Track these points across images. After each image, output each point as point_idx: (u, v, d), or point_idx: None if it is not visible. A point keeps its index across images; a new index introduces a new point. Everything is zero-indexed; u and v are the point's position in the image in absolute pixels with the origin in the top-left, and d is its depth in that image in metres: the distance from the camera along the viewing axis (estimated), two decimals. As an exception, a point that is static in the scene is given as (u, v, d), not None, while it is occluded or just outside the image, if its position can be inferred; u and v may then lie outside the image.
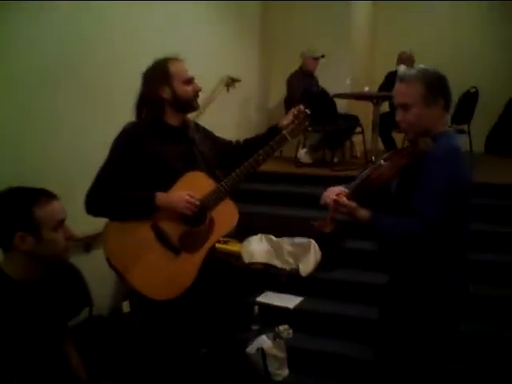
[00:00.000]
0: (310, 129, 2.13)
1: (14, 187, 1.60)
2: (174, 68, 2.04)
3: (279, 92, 5.75)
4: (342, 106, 5.50)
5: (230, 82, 5.05)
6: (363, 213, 1.79)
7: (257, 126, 5.72)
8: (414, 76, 1.77)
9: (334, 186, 1.92)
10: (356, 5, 6.02)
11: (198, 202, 1.97)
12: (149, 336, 2.21)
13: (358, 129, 5.33)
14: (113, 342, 2.83)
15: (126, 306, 3.39)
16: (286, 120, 2.14)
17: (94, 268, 2.41)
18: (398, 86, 1.80)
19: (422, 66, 1.84)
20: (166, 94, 2.02)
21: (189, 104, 2.06)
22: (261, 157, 2.04)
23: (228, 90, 5.04)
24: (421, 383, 1.90)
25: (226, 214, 2.05)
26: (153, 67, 2.07)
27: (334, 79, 5.59)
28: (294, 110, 2.17)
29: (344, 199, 1.79)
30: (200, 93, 2.09)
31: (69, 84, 3.03)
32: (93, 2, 3.11)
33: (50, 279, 1.71)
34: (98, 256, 2.02)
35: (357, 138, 5.60)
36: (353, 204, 1.79)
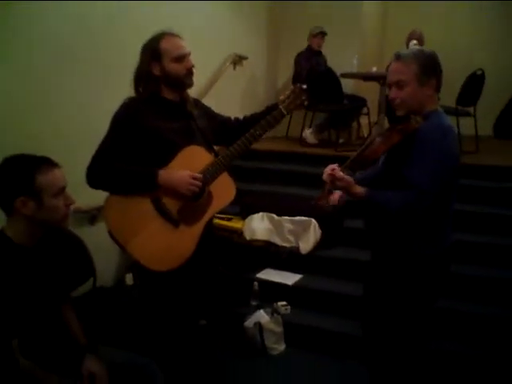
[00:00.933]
0: (306, 103, 2.12)
1: (18, 154, 1.65)
2: (165, 45, 2.02)
3: (288, 71, 5.72)
4: (349, 86, 5.48)
5: (238, 60, 5.02)
6: (359, 188, 1.86)
7: (264, 104, 5.69)
8: (409, 56, 1.82)
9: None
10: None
11: (200, 184, 1.99)
12: (147, 306, 2.28)
13: (365, 110, 5.32)
14: (115, 312, 2.91)
15: (129, 279, 3.47)
16: (283, 95, 2.15)
17: (98, 240, 2.46)
18: (394, 65, 1.85)
19: (417, 47, 1.87)
20: (157, 71, 2.03)
21: (180, 81, 2.05)
22: (257, 132, 2.05)
23: (235, 68, 5.02)
24: (402, 355, 1.97)
25: (224, 188, 2.08)
26: (147, 43, 2.07)
27: (342, 59, 5.56)
28: (291, 86, 2.19)
29: (339, 173, 1.85)
30: (194, 69, 2.07)
31: (74, 59, 3.08)
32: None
33: (50, 245, 1.77)
34: (102, 228, 2.07)
35: (364, 119, 5.58)
36: (348, 178, 1.86)
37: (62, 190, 1.68)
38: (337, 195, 2.00)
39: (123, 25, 3.43)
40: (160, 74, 2.03)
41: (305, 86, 2.10)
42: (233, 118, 2.32)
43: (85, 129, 3.05)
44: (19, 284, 1.60)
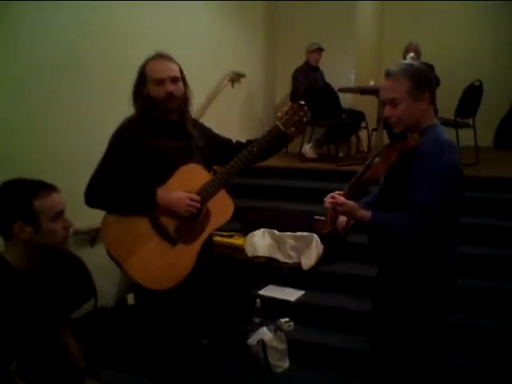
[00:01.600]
0: (305, 119, 2.10)
1: (16, 178, 1.65)
2: (148, 68, 2.05)
3: (285, 87, 5.75)
4: (347, 100, 5.50)
5: (235, 78, 5.06)
6: (363, 212, 1.84)
7: (263, 122, 5.74)
8: (399, 72, 1.79)
9: (337, 181, 1.97)
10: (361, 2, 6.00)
11: (198, 205, 1.99)
12: (148, 326, 2.26)
13: (364, 123, 5.34)
14: (116, 332, 2.88)
15: (130, 299, 3.45)
16: (281, 112, 2.15)
17: (99, 261, 2.45)
18: (385, 82, 1.83)
19: (407, 61, 1.87)
20: (145, 91, 2.05)
21: (161, 104, 2.05)
22: (255, 148, 2.04)
23: (233, 86, 5.05)
24: (411, 371, 1.93)
25: (222, 206, 2.07)
26: (141, 65, 2.10)
27: (339, 73, 5.59)
28: (290, 103, 2.19)
29: (341, 198, 1.84)
30: (176, 94, 2.04)
31: (73, 79, 3.10)
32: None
33: (49, 269, 1.75)
34: (103, 249, 2.05)
35: (363, 133, 5.60)
36: (350, 202, 1.84)
37: (60, 213, 1.66)
38: (343, 222, 1.97)
39: (122, 44, 3.46)
40: (147, 95, 2.06)
41: (303, 102, 2.08)
42: (234, 140, 2.33)
43: (83, 149, 3.04)
44: (17, 308, 1.59)
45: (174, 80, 2.05)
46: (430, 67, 5.43)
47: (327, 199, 1.88)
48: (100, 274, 2.96)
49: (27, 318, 1.61)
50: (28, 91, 2.85)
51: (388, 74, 1.81)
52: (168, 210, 2.00)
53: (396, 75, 1.79)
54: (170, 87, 2.03)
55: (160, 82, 2.02)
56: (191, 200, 1.98)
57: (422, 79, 1.79)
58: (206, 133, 2.26)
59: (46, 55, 2.93)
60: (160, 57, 2.07)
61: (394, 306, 1.92)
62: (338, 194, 1.89)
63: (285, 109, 2.10)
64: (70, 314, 2.06)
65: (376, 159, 1.83)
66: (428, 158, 1.73)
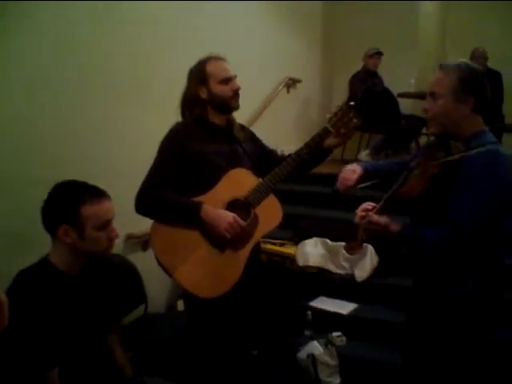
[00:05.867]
0: (355, 121, 2.00)
1: (71, 180, 1.65)
2: (210, 68, 2.06)
3: (343, 93, 5.63)
4: (407, 106, 5.32)
5: (291, 83, 5.01)
6: (394, 226, 1.71)
7: (318, 128, 5.62)
8: (452, 66, 1.67)
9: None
10: (424, 3, 5.79)
11: (240, 228, 1.96)
12: (195, 335, 2.23)
13: (424, 130, 5.13)
14: (164, 339, 2.87)
15: (180, 305, 3.43)
16: (330, 113, 2.08)
17: (151, 265, 2.44)
18: (437, 74, 1.72)
19: (464, 60, 1.73)
20: (203, 93, 2.06)
21: (226, 103, 2.06)
22: (304, 151, 2.00)
23: (288, 91, 5.00)
24: None
25: (271, 212, 2.03)
26: (193, 67, 2.11)
27: (399, 78, 5.42)
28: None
29: (374, 217, 1.70)
30: (239, 91, 2.07)
31: (112, 87, 3.01)
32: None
33: (96, 273, 1.74)
34: (155, 254, 2.06)
35: (423, 140, 5.38)
36: (383, 220, 1.71)
37: (108, 222, 1.64)
38: None
39: (167, 50, 3.39)
40: (207, 97, 2.05)
41: (353, 103, 2.00)
42: (279, 151, 2.28)
43: (134, 154, 3.02)
44: (61, 311, 1.58)
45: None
46: (496, 74, 5.17)
47: (359, 213, 1.74)
48: (152, 279, 2.96)
49: (71, 322, 1.60)
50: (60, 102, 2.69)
51: (440, 67, 1.71)
52: (210, 226, 1.97)
53: (447, 69, 1.67)
54: (238, 84, 2.06)
55: (227, 80, 2.05)
56: (235, 222, 1.94)
57: (472, 81, 1.65)
58: (253, 138, 2.24)
59: (79, 67, 2.87)
60: (216, 58, 2.09)
61: (434, 323, 1.79)
62: (370, 206, 1.74)
63: (334, 110, 2.02)
64: (119, 320, 2.04)
65: (415, 171, 1.66)
66: (471, 175, 1.58)
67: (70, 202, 1.59)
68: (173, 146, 2.04)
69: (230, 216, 1.95)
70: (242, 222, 1.96)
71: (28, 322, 1.47)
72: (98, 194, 1.63)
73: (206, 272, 1.99)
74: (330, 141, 2.04)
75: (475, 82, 1.66)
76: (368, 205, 1.75)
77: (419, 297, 1.88)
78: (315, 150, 2.01)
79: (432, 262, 1.74)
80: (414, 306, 1.93)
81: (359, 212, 1.74)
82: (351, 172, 1.91)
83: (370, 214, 1.71)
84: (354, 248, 1.80)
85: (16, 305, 1.04)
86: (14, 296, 1.22)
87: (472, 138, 1.65)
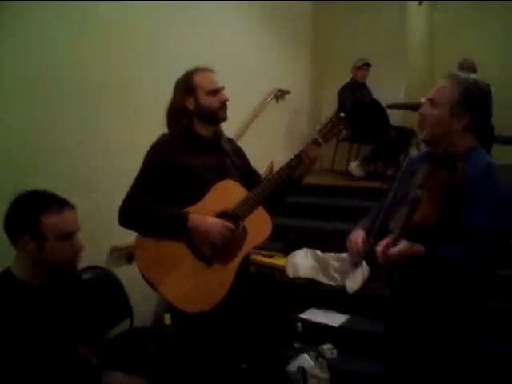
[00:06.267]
0: (344, 132, 2.00)
1: (32, 190, 1.59)
2: (198, 78, 2.04)
3: (332, 104, 5.64)
4: (396, 117, 5.33)
5: (280, 95, 5.01)
6: (417, 247, 1.62)
7: (308, 140, 5.62)
8: (458, 78, 1.66)
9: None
10: (412, 13, 5.83)
11: (230, 233, 1.93)
12: (183, 349, 2.17)
13: (414, 141, 5.14)
14: (151, 353, 2.81)
15: (167, 318, 3.37)
16: (320, 125, 2.07)
17: (136, 278, 2.40)
18: (442, 81, 1.70)
19: (474, 75, 1.72)
20: (191, 104, 2.03)
21: (214, 115, 2.03)
22: (293, 162, 1.97)
23: (277, 102, 4.99)
24: None
25: (260, 224, 2.00)
26: (181, 78, 2.09)
27: (388, 90, 5.43)
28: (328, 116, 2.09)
29: (393, 250, 1.61)
30: (227, 103, 2.05)
31: (98, 97, 2.99)
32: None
33: (61, 286, 1.68)
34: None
35: (414, 151, 5.39)
36: (403, 247, 1.61)
37: (70, 234, 1.58)
38: None
39: (151, 61, 3.37)
40: (194, 108, 2.03)
41: (342, 114, 2.00)
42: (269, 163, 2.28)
43: (118, 166, 2.96)
44: (23, 322, 1.52)
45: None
46: (484, 87, 5.19)
47: (380, 252, 1.63)
48: (137, 292, 2.89)
49: (34, 333, 1.54)
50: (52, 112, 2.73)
51: (448, 75, 1.69)
52: (201, 235, 1.93)
53: (453, 79, 1.66)
54: (226, 96, 2.04)
55: (215, 91, 2.03)
56: (224, 228, 1.91)
57: (472, 99, 1.63)
58: (241, 155, 2.22)
59: (69, 80, 2.90)
60: (204, 69, 2.07)
61: (414, 331, 1.75)
62: (386, 241, 1.64)
63: (324, 121, 2.01)
64: (100, 333, 1.98)
65: (419, 193, 1.59)
66: (476, 185, 1.56)
67: (30, 211, 1.54)
68: (158, 157, 2.01)
69: (218, 222, 1.91)
70: (232, 226, 1.93)
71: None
72: (59, 203, 1.58)
73: (193, 286, 1.94)
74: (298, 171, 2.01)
75: (476, 101, 1.64)
76: (385, 242, 1.64)
77: (397, 306, 1.86)
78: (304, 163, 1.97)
79: (455, 279, 1.68)
80: (392, 316, 1.90)
81: (379, 252, 1.64)
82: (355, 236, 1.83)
83: (388, 250, 1.61)
84: (379, 289, 1.73)
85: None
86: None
87: (469, 153, 1.63)
